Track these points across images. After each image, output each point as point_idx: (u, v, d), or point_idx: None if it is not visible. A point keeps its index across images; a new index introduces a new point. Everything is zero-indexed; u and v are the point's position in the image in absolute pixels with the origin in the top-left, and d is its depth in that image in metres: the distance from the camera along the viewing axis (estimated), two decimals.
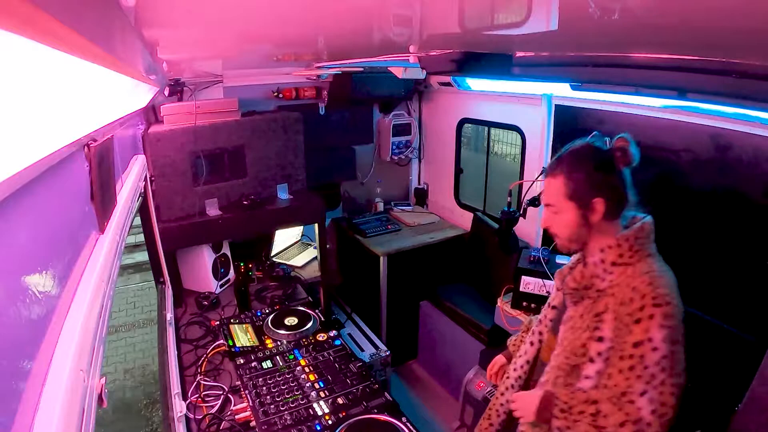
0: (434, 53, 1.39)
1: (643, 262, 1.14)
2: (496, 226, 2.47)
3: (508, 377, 1.49)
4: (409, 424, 1.38)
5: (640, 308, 1.07)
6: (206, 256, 2.52)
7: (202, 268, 2.53)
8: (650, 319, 1.05)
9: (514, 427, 1.38)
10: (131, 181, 1.50)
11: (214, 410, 1.62)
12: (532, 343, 1.43)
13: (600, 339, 1.13)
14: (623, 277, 1.13)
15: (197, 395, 1.68)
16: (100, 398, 0.71)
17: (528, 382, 1.44)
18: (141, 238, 3.57)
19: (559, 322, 1.30)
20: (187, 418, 1.56)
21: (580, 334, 1.18)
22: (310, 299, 2.47)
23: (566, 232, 1.20)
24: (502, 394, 1.47)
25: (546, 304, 1.44)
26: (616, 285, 1.14)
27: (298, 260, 3.09)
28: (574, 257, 1.35)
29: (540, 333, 1.41)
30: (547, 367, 1.29)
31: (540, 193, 1.39)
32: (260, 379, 1.60)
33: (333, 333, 1.89)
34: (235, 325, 1.96)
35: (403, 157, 3.63)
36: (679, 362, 1.07)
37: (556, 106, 2.59)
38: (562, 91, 2.49)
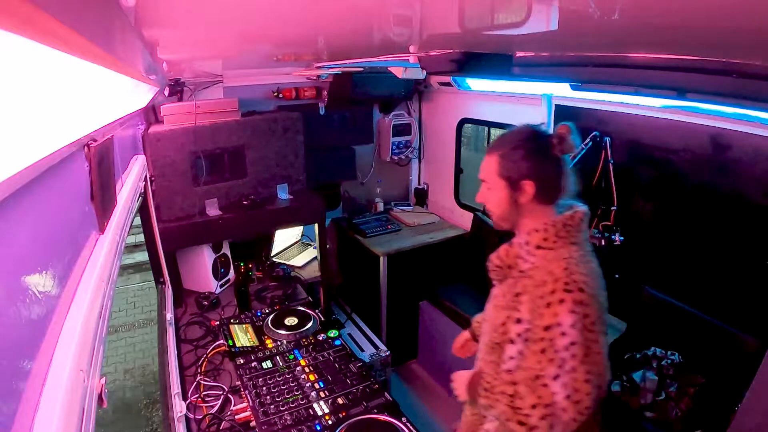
0: (434, 53, 1.39)
1: (565, 249, 1.15)
2: None
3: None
4: (409, 424, 1.38)
5: (552, 292, 1.08)
6: (206, 256, 2.52)
7: (202, 268, 2.53)
8: (560, 304, 1.06)
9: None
10: (131, 181, 1.50)
11: (214, 410, 1.62)
12: (478, 322, 1.47)
13: (518, 320, 1.15)
14: (543, 261, 1.15)
15: (197, 395, 1.68)
16: (100, 398, 0.71)
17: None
18: (141, 238, 3.57)
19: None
20: (187, 418, 1.56)
21: (501, 312, 1.21)
22: (310, 299, 2.47)
23: (497, 209, 1.23)
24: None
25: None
26: (536, 267, 1.15)
27: (298, 260, 3.09)
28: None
29: (476, 326, 1.45)
30: (480, 344, 1.33)
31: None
32: (260, 379, 1.60)
33: (333, 333, 1.89)
34: (235, 325, 1.96)
35: (403, 157, 3.63)
36: (594, 351, 1.07)
37: (556, 106, 2.59)
38: (562, 91, 2.49)
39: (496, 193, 1.21)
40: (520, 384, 1.12)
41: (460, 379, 1.28)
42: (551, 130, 1.21)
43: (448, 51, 1.38)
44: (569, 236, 1.16)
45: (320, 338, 1.85)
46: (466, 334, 1.65)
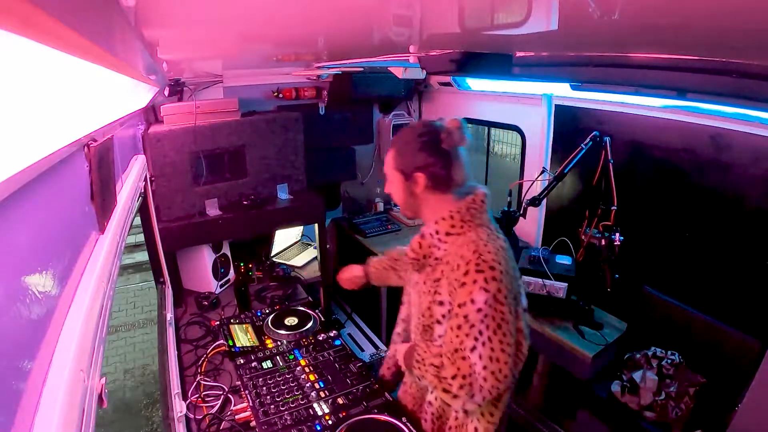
0: (434, 53, 1.39)
1: (473, 232, 1.23)
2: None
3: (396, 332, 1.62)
4: (409, 424, 1.38)
5: (465, 273, 1.16)
6: (206, 256, 2.52)
7: (202, 268, 2.53)
8: (473, 284, 1.14)
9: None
10: (131, 181, 1.50)
11: (214, 410, 1.62)
12: (402, 303, 1.55)
13: (440, 303, 1.25)
14: (454, 246, 1.23)
15: (197, 395, 1.68)
16: (100, 398, 0.71)
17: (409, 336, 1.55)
18: (141, 238, 3.57)
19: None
20: (187, 418, 1.56)
21: (425, 298, 1.30)
22: (310, 299, 2.47)
23: (399, 200, 1.33)
24: (394, 343, 1.59)
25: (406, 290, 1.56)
26: (449, 253, 1.23)
27: (298, 260, 3.09)
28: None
29: (408, 294, 1.51)
30: (411, 325, 1.44)
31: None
32: (260, 379, 1.60)
33: (333, 333, 1.89)
34: (235, 325, 1.95)
35: None
36: (507, 321, 1.16)
37: (556, 106, 2.59)
38: (562, 91, 2.49)
39: (395, 185, 1.31)
40: (444, 357, 1.22)
41: (401, 349, 1.40)
42: (444, 124, 1.26)
43: (448, 51, 1.38)
44: (474, 219, 1.25)
45: (320, 338, 1.85)
46: (358, 271, 1.77)
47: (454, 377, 1.18)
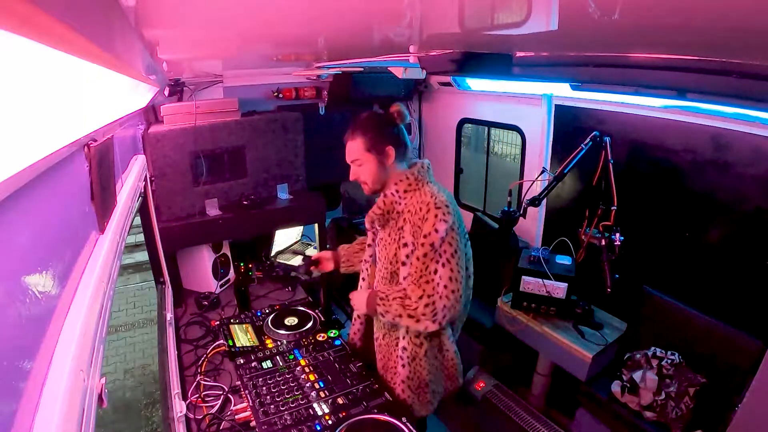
0: (434, 53, 1.39)
1: (426, 187, 1.54)
2: (496, 226, 2.47)
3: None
4: (409, 424, 1.38)
5: (427, 211, 1.46)
6: (206, 256, 2.51)
7: (202, 268, 2.53)
8: (435, 217, 1.44)
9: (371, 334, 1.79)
10: (131, 181, 1.50)
11: (214, 410, 1.62)
12: (363, 279, 1.78)
13: (405, 245, 1.52)
14: (413, 199, 1.52)
15: (197, 395, 1.68)
16: (100, 398, 0.71)
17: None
18: (141, 238, 3.57)
19: (374, 257, 1.71)
20: (187, 418, 1.56)
21: (390, 247, 1.58)
22: (310, 299, 2.47)
23: (371, 177, 1.57)
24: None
25: (365, 253, 1.81)
26: (410, 204, 1.52)
27: (298, 260, 3.09)
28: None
29: (366, 271, 1.78)
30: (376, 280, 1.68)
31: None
32: (260, 379, 1.60)
33: (333, 333, 1.89)
34: (235, 325, 1.95)
35: None
36: (461, 250, 1.47)
37: (556, 106, 2.59)
38: (562, 91, 2.49)
39: (367, 166, 1.55)
40: (408, 286, 1.49)
41: (358, 297, 1.65)
42: (382, 111, 1.63)
43: (448, 51, 1.38)
44: (424, 179, 1.56)
45: (320, 338, 1.85)
46: (327, 255, 2.00)
47: (420, 297, 1.45)
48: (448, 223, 1.43)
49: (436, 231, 1.43)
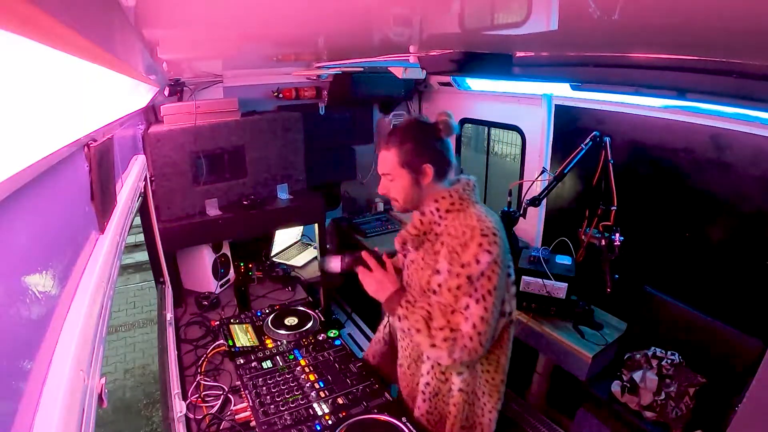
0: (434, 53, 1.39)
1: (472, 208, 1.33)
2: None
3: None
4: (409, 424, 1.38)
5: (470, 238, 1.25)
6: (206, 256, 2.52)
7: (202, 268, 2.53)
8: (478, 246, 1.23)
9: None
10: (131, 181, 1.50)
11: (214, 410, 1.62)
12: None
13: (437, 272, 1.31)
14: (455, 221, 1.31)
15: (197, 395, 1.68)
16: (100, 398, 0.71)
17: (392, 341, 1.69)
18: (141, 238, 3.57)
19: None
20: (187, 418, 1.56)
21: (423, 272, 1.38)
22: (310, 299, 2.47)
23: (402, 195, 1.37)
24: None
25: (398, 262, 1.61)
26: (451, 226, 1.31)
27: (298, 260, 3.09)
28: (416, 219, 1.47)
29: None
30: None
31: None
32: (260, 379, 1.60)
33: (333, 333, 1.89)
34: (235, 325, 1.95)
35: None
36: (500, 288, 1.27)
37: (556, 106, 2.59)
38: (562, 91, 2.49)
39: (400, 182, 1.35)
40: (434, 308, 1.29)
41: (378, 284, 1.41)
42: (431, 119, 1.38)
43: (448, 51, 1.38)
44: (470, 198, 1.36)
45: (320, 338, 1.85)
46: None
47: (441, 328, 1.25)
48: (492, 255, 1.23)
49: (477, 262, 1.22)
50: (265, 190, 2.66)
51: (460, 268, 1.24)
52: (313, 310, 2.06)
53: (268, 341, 1.84)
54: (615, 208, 2.05)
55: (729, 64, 0.81)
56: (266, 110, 2.84)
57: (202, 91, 2.73)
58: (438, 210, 1.34)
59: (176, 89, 2.61)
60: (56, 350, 0.58)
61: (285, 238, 3.18)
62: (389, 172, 1.36)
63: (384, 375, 1.74)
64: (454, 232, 1.28)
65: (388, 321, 1.74)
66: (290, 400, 1.50)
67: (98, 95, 0.74)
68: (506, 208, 2.29)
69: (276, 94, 2.97)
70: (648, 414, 1.87)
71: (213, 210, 2.45)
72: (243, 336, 1.88)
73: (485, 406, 1.46)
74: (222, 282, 2.62)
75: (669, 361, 1.92)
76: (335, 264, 1.56)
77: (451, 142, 1.39)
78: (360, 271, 1.45)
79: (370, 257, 1.45)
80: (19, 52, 0.31)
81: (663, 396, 1.85)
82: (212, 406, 1.64)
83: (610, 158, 2.06)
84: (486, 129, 3.56)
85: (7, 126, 0.36)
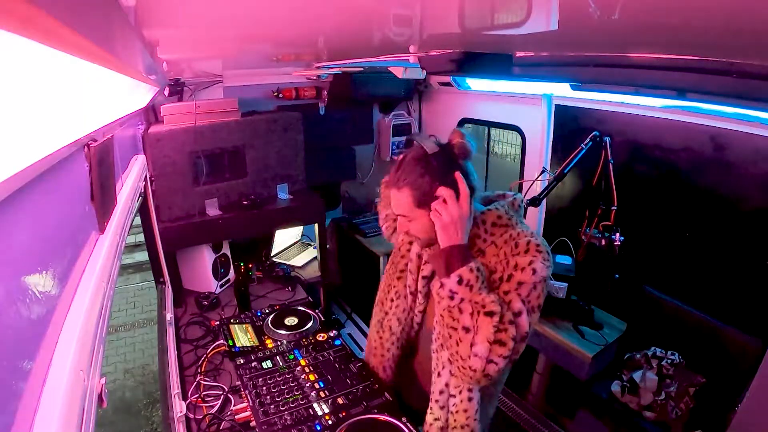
0: (434, 53, 1.39)
1: (520, 226, 1.20)
2: None
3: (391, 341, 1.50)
4: (409, 424, 1.38)
5: (526, 250, 1.10)
6: (206, 256, 2.52)
7: (202, 268, 2.53)
8: (535, 255, 1.09)
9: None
10: (131, 181, 1.50)
11: (214, 410, 1.62)
12: (406, 310, 1.43)
13: (492, 272, 1.15)
14: (505, 236, 1.17)
15: (197, 395, 1.68)
16: (100, 398, 0.71)
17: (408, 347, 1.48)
18: (141, 238, 3.57)
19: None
20: (187, 418, 1.56)
21: None
22: (310, 299, 2.47)
23: (425, 235, 1.19)
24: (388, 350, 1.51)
25: (415, 275, 1.40)
26: (499, 240, 1.17)
27: (298, 260, 3.09)
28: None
29: (414, 302, 1.41)
30: (434, 334, 1.29)
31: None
32: (260, 379, 1.60)
33: (333, 333, 1.89)
34: (235, 325, 1.95)
35: None
36: (541, 303, 1.10)
37: (556, 106, 2.59)
38: (562, 91, 2.49)
39: (419, 222, 1.17)
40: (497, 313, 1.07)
41: (454, 220, 1.11)
42: (443, 140, 1.19)
43: (448, 51, 1.38)
44: (518, 214, 1.22)
45: (320, 338, 1.85)
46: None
47: (512, 322, 1.04)
48: (547, 271, 1.09)
49: (534, 272, 1.07)
50: (265, 190, 2.66)
51: (513, 270, 1.09)
52: (313, 310, 2.06)
53: (268, 341, 1.84)
54: (615, 208, 2.05)
55: (729, 64, 0.81)
56: (266, 110, 2.84)
57: (202, 91, 2.73)
58: (484, 222, 1.19)
59: (176, 89, 2.61)
60: (56, 350, 0.58)
61: (285, 238, 3.18)
62: (406, 214, 1.18)
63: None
64: (505, 246, 1.14)
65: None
66: (290, 400, 1.50)
67: (98, 95, 0.74)
68: None
69: (276, 94, 2.97)
70: (648, 414, 1.87)
71: (213, 210, 2.45)
72: (243, 336, 1.88)
73: (488, 412, 1.36)
74: (222, 282, 2.62)
75: (669, 361, 1.92)
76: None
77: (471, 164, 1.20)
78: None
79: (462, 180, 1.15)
80: (19, 52, 0.31)
81: (663, 396, 1.85)
82: (212, 406, 1.64)
83: (610, 158, 2.06)
84: (486, 129, 3.56)
85: (7, 126, 0.36)
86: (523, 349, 1.11)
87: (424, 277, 1.38)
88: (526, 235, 1.14)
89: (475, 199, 1.19)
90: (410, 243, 1.42)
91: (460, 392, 1.26)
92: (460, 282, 1.07)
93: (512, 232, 1.16)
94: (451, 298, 1.08)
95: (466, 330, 1.06)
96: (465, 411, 1.26)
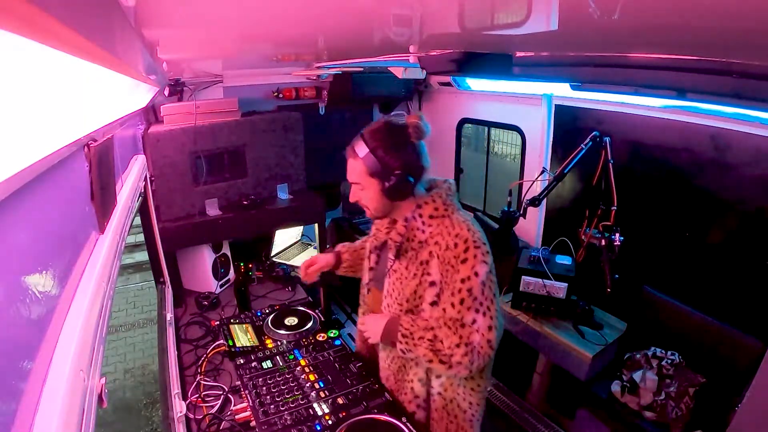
0: (434, 53, 1.39)
1: (457, 214, 1.31)
2: (496, 226, 2.47)
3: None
4: (409, 424, 1.38)
5: (465, 250, 1.23)
6: (206, 256, 2.51)
7: (202, 268, 2.53)
8: (474, 258, 1.22)
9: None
10: (131, 181, 1.50)
11: (214, 410, 1.62)
12: (362, 305, 1.61)
13: (432, 283, 1.29)
14: (442, 227, 1.28)
15: (197, 395, 1.68)
16: (100, 398, 0.71)
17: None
18: (141, 238, 3.57)
19: (377, 281, 1.50)
20: (187, 418, 1.56)
21: (408, 282, 1.34)
22: (310, 299, 2.47)
23: (373, 204, 1.34)
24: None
25: (363, 276, 1.59)
26: (438, 234, 1.28)
27: (298, 260, 3.09)
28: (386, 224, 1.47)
29: (364, 297, 1.58)
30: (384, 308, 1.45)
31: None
32: (260, 379, 1.60)
33: (333, 333, 1.89)
34: (235, 325, 1.95)
35: None
36: (497, 294, 1.27)
37: (556, 106, 2.59)
38: (562, 91, 2.49)
39: (370, 191, 1.32)
40: (438, 329, 1.27)
41: (374, 325, 1.40)
42: (402, 120, 1.31)
43: (448, 51, 1.38)
44: (453, 204, 1.33)
45: (320, 338, 1.85)
46: (325, 261, 1.72)
47: (457, 345, 1.23)
48: (488, 265, 1.24)
49: (476, 275, 1.22)
50: (265, 190, 2.66)
51: (461, 284, 1.23)
52: (313, 310, 2.06)
53: (268, 341, 1.84)
54: (615, 208, 2.05)
55: (729, 64, 0.81)
56: (266, 110, 2.84)
57: (202, 91, 2.73)
58: (421, 216, 1.31)
59: (176, 89, 2.61)
60: (56, 350, 0.58)
61: (285, 238, 3.18)
62: (358, 182, 1.33)
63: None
64: (443, 242, 1.26)
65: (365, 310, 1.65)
66: (290, 400, 1.50)
67: (98, 95, 0.74)
68: (506, 208, 2.29)
69: (276, 94, 2.97)
70: (648, 414, 1.87)
71: (213, 210, 2.45)
72: (243, 336, 1.88)
73: (466, 413, 1.43)
74: (222, 282, 2.62)
75: (669, 361, 1.92)
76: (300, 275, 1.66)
77: (425, 144, 1.33)
78: (363, 320, 1.46)
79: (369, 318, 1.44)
80: (19, 52, 0.31)
81: (663, 396, 1.85)
82: (212, 406, 1.64)
83: (610, 158, 2.06)
84: (486, 129, 3.56)
85: (7, 126, 0.36)
86: (499, 334, 1.26)
87: (371, 268, 1.54)
88: (462, 227, 1.26)
89: (420, 183, 1.34)
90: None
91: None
92: (403, 352, 1.33)
93: (448, 223, 1.29)
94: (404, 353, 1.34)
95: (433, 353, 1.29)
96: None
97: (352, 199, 1.40)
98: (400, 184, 1.27)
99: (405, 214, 1.35)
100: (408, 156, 1.28)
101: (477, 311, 1.23)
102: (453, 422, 1.43)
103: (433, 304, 1.31)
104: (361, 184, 1.33)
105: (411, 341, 1.30)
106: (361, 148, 1.29)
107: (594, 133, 2.11)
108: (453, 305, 1.24)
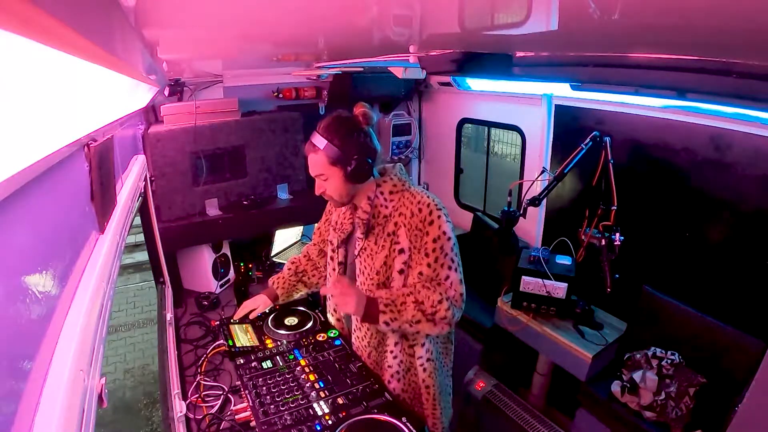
0: (434, 53, 1.39)
1: (414, 187, 1.47)
2: (496, 226, 2.47)
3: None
4: (409, 424, 1.38)
5: (429, 213, 1.37)
6: (206, 256, 2.51)
7: (202, 268, 2.53)
8: (439, 219, 1.37)
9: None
10: (131, 181, 1.50)
11: (214, 410, 1.62)
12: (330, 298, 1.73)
13: (401, 251, 1.42)
14: (404, 200, 1.43)
15: (197, 395, 1.68)
16: (100, 398, 0.71)
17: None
18: (141, 238, 3.57)
19: (347, 266, 1.61)
20: (187, 418, 1.56)
21: (379, 255, 1.46)
22: (310, 299, 2.47)
23: (338, 191, 1.45)
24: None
25: (331, 261, 1.71)
26: (401, 206, 1.43)
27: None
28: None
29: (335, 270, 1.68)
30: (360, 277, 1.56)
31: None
32: (260, 379, 1.60)
33: (333, 333, 1.89)
34: (235, 325, 1.95)
35: (403, 156, 3.62)
36: (457, 251, 1.42)
37: (556, 106, 2.59)
38: (562, 91, 2.49)
39: (333, 179, 1.42)
40: (417, 293, 1.37)
41: (346, 298, 1.41)
42: (346, 113, 1.46)
43: (448, 51, 1.38)
44: (407, 179, 1.50)
45: (320, 338, 1.85)
46: (264, 300, 1.91)
47: (440, 302, 1.35)
48: (450, 224, 1.40)
49: (444, 233, 1.37)
50: (265, 190, 2.65)
51: (433, 243, 1.36)
52: (313, 310, 2.06)
53: (268, 341, 1.84)
54: (615, 208, 2.05)
55: (729, 64, 0.81)
56: (266, 110, 2.84)
57: (202, 91, 2.73)
58: (382, 194, 1.45)
59: (176, 89, 2.61)
60: (56, 350, 0.58)
61: (285, 238, 3.18)
62: (322, 173, 1.43)
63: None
64: (408, 210, 1.40)
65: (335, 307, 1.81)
66: (290, 400, 1.50)
67: (98, 95, 0.74)
68: (506, 208, 2.29)
69: (276, 94, 2.96)
70: (648, 414, 1.87)
71: (213, 210, 2.45)
72: (243, 336, 1.88)
73: (444, 368, 1.60)
74: (222, 282, 2.62)
75: (669, 361, 1.92)
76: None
77: (373, 130, 1.47)
78: (336, 294, 1.45)
79: (342, 279, 1.47)
80: (19, 52, 0.31)
81: (663, 396, 1.85)
82: (212, 406, 1.64)
83: (610, 158, 2.06)
84: (486, 129, 3.56)
85: (7, 126, 0.36)
86: (464, 286, 1.41)
87: (340, 263, 1.65)
88: (421, 195, 1.41)
89: (375, 168, 1.47)
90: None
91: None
92: (388, 323, 1.41)
93: (408, 195, 1.44)
94: (389, 324, 1.42)
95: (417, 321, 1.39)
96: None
97: (317, 192, 1.49)
98: (360, 166, 1.39)
99: (367, 194, 1.47)
100: (362, 140, 1.41)
101: (450, 268, 1.37)
102: (440, 381, 1.58)
103: (401, 272, 1.42)
104: (325, 174, 1.43)
105: (395, 308, 1.38)
106: (320, 141, 1.41)
107: (594, 133, 2.11)
108: (429, 265, 1.37)
